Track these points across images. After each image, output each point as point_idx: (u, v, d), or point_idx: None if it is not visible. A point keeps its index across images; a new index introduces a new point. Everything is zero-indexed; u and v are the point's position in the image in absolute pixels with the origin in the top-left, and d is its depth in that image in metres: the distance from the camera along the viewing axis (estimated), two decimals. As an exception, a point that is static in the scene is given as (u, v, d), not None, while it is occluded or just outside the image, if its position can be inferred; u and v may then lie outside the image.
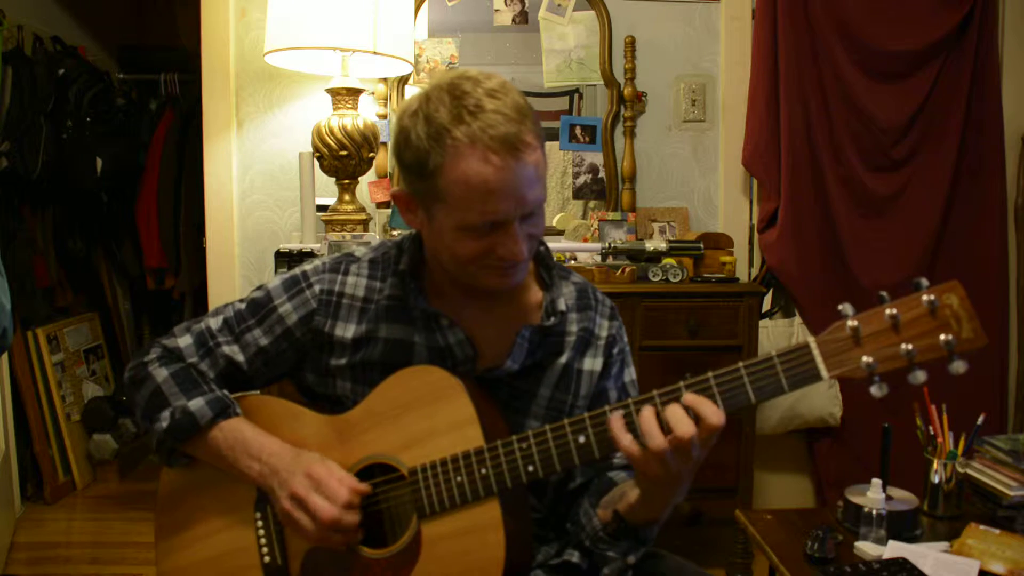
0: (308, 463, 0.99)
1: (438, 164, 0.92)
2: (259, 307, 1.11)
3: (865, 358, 0.82)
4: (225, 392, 1.09)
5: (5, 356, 2.71)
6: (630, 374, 1.17)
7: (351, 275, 1.11)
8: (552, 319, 1.08)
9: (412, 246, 1.10)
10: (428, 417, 1.00)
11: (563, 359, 1.11)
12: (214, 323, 1.12)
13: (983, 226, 2.49)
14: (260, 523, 1.07)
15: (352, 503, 0.97)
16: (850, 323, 0.84)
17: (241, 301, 1.14)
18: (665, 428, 0.88)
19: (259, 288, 1.14)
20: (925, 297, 0.81)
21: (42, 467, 2.94)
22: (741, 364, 0.88)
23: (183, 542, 1.11)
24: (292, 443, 1.06)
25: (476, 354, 1.07)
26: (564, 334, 1.11)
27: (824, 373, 0.84)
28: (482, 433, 0.97)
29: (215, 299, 2.49)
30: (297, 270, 1.13)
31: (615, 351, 1.15)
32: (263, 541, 1.06)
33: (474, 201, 0.92)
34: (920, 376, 0.81)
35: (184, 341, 1.11)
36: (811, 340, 0.85)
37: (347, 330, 1.09)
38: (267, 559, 1.06)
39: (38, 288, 3.07)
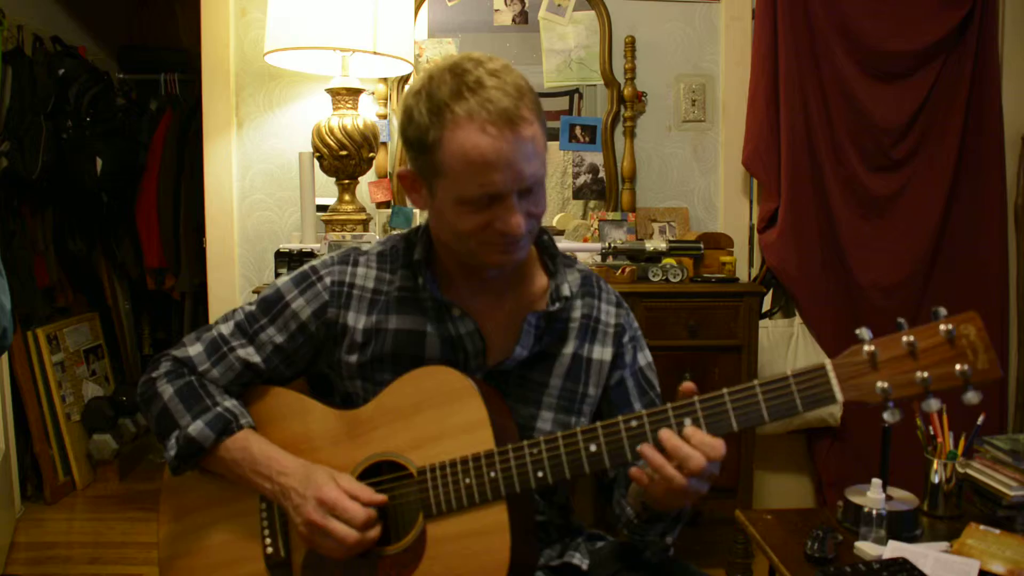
0: (318, 486, 0.98)
1: (437, 138, 0.94)
2: (271, 305, 1.11)
3: (880, 383, 0.82)
4: (229, 405, 1.07)
5: (5, 356, 2.71)
6: (645, 357, 1.17)
7: (360, 266, 1.11)
8: (557, 304, 1.08)
9: (423, 237, 1.10)
10: (439, 418, 1.00)
11: (570, 348, 1.11)
12: (225, 328, 1.11)
13: (983, 226, 2.49)
14: (264, 513, 1.08)
15: (370, 519, 0.97)
16: (867, 348, 0.84)
17: (250, 304, 1.13)
18: (676, 461, 0.89)
19: (267, 288, 1.14)
20: (943, 326, 0.81)
21: (42, 467, 2.93)
22: (756, 383, 0.88)
23: (187, 528, 1.12)
24: (300, 437, 1.06)
25: (485, 347, 1.07)
26: (568, 320, 1.11)
27: (839, 396, 0.84)
28: (493, 436, 0.97)
29: (215, 299, 2.49)
30: (305, 266, 1.13)
31: (626, 339, 1.15)
32: (267, 532, 1.07)
33: (472, 173, 0.93)
34: (934, 404, 0.81)
35: (194, 350, 1.11)
36: (827, 362, 0.85)
37: (359, 320, 1.08)
38: (269, 550, 1.06)
39: (38, 288, 3.07)
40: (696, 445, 0.87)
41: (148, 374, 1.12)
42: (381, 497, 0.99)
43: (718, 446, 0.87)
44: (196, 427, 1.04)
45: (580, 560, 1.11)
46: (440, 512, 0.98)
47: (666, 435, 0.89)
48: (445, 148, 0.93)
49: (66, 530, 2.77)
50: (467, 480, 0.96)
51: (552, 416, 1.09)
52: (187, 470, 1.08)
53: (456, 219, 0.98)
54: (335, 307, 1.09)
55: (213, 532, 1.10)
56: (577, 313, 1.12)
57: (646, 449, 0.90)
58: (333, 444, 1.05)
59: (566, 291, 1.09)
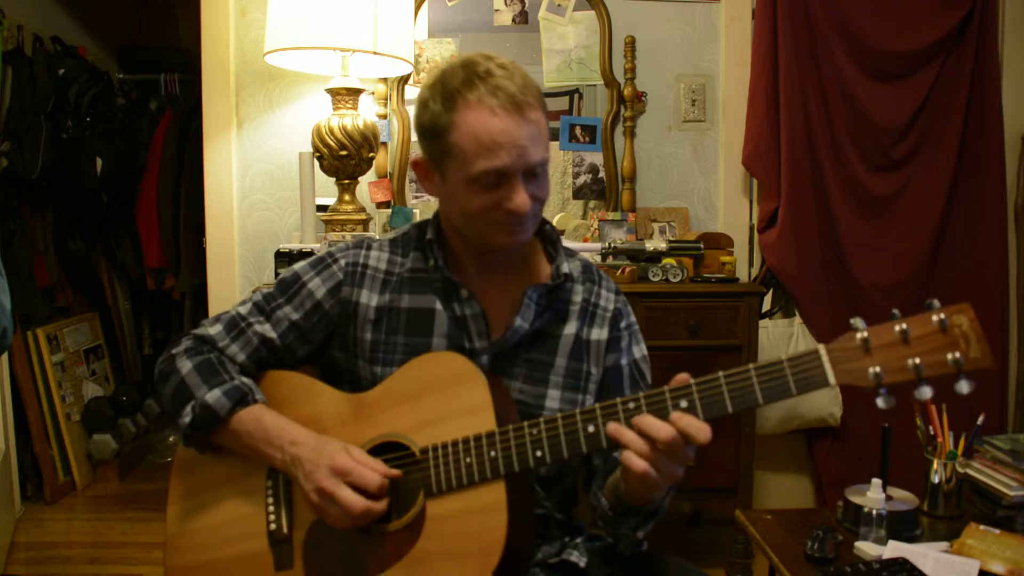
0: (331, 454, 1.00)
1: (449, 121, 1.01)
2: (288, 286, 1.16)
3: (873, 368, 0.84)
4: (245, 380, 1.10)
5: (5, 356, 2.71)
6: (641, 350, 1.20)
7: (374, 250, 1.18)
8: (557, 280, 1.13)
9: (434, 222, 1.16)
10: (444, 401, 1.03)
11: (572, 329, 1.15)
12: (243, 309, 1.17)
13: (983, 226, 2.49)
14: (270, 490, 1.09)
15: (383, 488, 0.99)
16: (860, 334, 0.86)
17: (267, 287, 1.19)
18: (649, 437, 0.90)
19: (285, 271, 1.19)
20: (935, 316, 0.83)
21: (42, 467, 2.93)
22: (751, 366, 0.90)
23: (194, 507, 1.13)
24: (309, 418, 1.09)
25: (488, 330, 1.12)
26: (569, 302, 1.16)
27: (832, 379, 0.86)
28: (495, 418, 0.99)
29: (215, 299, 2.49)
30: (321, 252, 1.18)
31: (622, 325, 1.19)
32: (271, 508, 1.08)
33: (481, 152, 0.99)
34: (926, 392, 0.83)
35: (215, 329, 1.15)
36: (821, 347, 0.87)
37: (371, 299, 1.14)
38: (273, 526, 1.07)
39: (38, 288, 3.07)
40: (682, 428, 0.89)
41: (169, 351, 1.15)
42: (395, 472, 1.01)
43: (704, 429, 0.89)
44: (213, 395, 1.07)
45: (578, 558, 1.12)
46: (440, 491, 0.99)
47: (636, 420, 0.91)
48: (457, 130, 1.00)
49: (66, 530, 2.77)
50: (467, 459, 0.98)
51: (560, 394, 1.12)
52: (199, 441, 1.10)
53: (466, 200, 1.04)
54: (349, 286, 1.14)
55: (220, 510, 1.11)
56: (578, 297, 1.17)
57: (611, 426, 0.92)
58: (340, 425, 1.08)
59: (566, 269, 1.14)
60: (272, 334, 1.14)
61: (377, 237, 1.21)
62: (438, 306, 1.12)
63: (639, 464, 0.90)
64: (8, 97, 2.87)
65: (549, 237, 1.19)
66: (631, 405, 0.93)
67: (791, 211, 2.42)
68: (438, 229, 1.15)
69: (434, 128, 1.03)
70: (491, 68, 1.00)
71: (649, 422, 0.90)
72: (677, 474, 0.92)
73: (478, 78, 1.00)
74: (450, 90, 1.01)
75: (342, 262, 1.16)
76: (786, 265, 2.44)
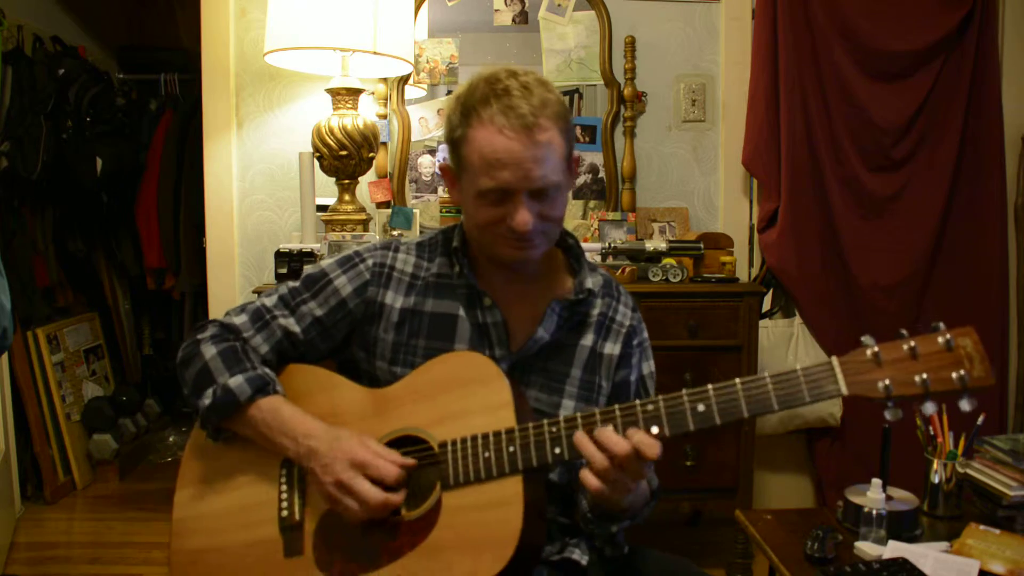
0: (348, 448, 1.02)
1: (464, 135, 1.05)
2: (314, 282, 1.18)
3: (882, 381, 0.89)
4: (267, 371, 1.12)
5: (5, 356, 2.71)
6: (649, 367, 1.23)
7: (401, 252, 1.20)
8: (581, 295, 1.15)
9: (460, 230, 1.19)
10: (464, 397, 1.04)
11: (588, 341, 1.17)
12: (268, 301, 1.18)
13: (983, 226, 2.49)
14: (284, 479, 1.09)
15: (400, 480, 1.01)
16: (871, 349, 0.91)
17: (293, 281, 1.21)
18: (604, 449, 0.93)
19: (312, 267, 1.21)
20: (941, 338, 0.89)
21: (42, 467, 2.93)
22: (767, 374, 0.93)
23: (205, 491, 1.13)
24: (328, 411, 1.10)
25: (508, 338, 1.14)
26: (587, 316, 1.18)
27: (844, 389, 0.90)
28: (515, 416, 1.01)
29: (215, 299, 2.50)
30: (349, 251, 1.21)
31: (635, 342, 1.21)
32: (284, 496, 1.09)
33: (486, 169, 1.03)
34: (930, 408, 0.89)
35: (240, 319, 1.16)
36: (834, 359, 0.92)
37: (396, 300, 1.16)
38: (284, 513, 1.08)
39: (38, 288, 3.07)
40: (636, 443, 0.92)
41: (193, 336, 1.16)
42: (411, 460, 1.02)
43: (655, 446, 0.92)
44: (236, 380, 1.08)
45: (580, 556, 1.13)
46: (457, 483, 1.00)
47: (597, 432, 0.95)
48: (468, 145, 1.04)
49: (66, 530, 2.77)
50: (486, 454, 1.00)
51: (574, 405, 1.14)
52: (215, 424, 1.10)
53: (475, 211, 1.07)
54: (375, 286, 1.16)
55: (231, 496, 1.11)
56: (596, 311, 1.19)
57: (577, 436, 0.96)
58: (359, 419, 1.09)
59: (589, 284, 1.17)
60: (295, 328, 1.15)
61: (405, 240, 1.23)
62: (461, 312, 1.14)
63: (592, 482, 0.93)
64: (8, 97, 2.87)
65: (573, 251, 1.21)
66: (650, 407, 0.95)
67: (791, 211, 2.42)
68: (464, 237, 1.17)
69: (452, 140, 1.07)
70: (510, 86, 1.02)
71: (608, 436, 0.93)
72: (630, 487, 0.96)
73: (495, 96, 1.02)
74: (469, 105, 1.04)
75: (369, 262, 1.17)
76: (786, 265, 2.44)
